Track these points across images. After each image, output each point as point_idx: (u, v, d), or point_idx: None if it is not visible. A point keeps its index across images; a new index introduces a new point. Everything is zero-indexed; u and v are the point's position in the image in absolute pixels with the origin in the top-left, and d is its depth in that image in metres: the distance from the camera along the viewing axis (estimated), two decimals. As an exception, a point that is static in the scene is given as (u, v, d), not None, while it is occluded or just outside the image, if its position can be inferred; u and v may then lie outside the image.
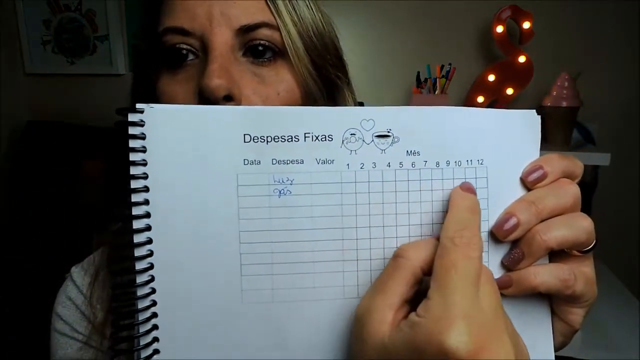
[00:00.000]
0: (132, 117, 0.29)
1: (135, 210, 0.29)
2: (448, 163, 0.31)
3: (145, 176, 0.29)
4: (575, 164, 0.32)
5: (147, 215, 0.29)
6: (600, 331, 1.03)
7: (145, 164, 0.29)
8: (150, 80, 0.42)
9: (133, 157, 0.29)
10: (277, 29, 0.40)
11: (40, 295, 1.29)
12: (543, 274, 0.30)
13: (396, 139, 0.31)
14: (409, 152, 0.31)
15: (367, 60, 1.65)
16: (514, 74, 1.45)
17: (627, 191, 1.52)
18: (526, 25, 1.40)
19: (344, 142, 0.31)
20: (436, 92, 1.47)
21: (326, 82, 0.44)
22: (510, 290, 0.31)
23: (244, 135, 0.30)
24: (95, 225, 0.48)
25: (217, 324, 0.30)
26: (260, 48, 0.40)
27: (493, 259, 0.32)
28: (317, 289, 0.31)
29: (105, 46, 1.85)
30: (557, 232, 0.30)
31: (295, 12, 0.41)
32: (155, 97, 0.41)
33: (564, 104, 1.28)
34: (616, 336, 1.03)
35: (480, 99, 1.51)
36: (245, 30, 0.39)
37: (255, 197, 0.30)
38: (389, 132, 0.31)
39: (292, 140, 0.30)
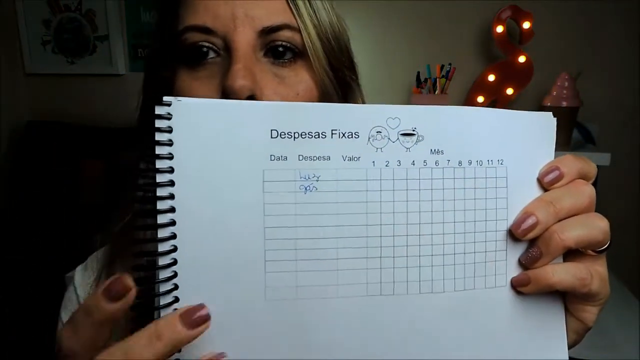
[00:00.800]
0: (158, 110, 0.29)
1: (160, 205, 0.29)
2: (470, 162, 0.32)
3: (171, 170, 0.29)
4: (590, 165, 0.33)
5: (172, 209, 0.29)
6: (600, 331, 1.03)
7: (171, 158, 0.29)
8: (162, 78, 0.43)
9: (159, 150, 0.29)
10: (298, 30, 0.41)
11: (40, 295, 1.29)
12: (560, 272, 0.31)
13: (421, 138, 0.31)
14: (433, 150, 0.31)
15: (367, 60, 1.65)
16: (514, 74, 1.45)
17: (627, 191, 1.53)
18: (526, 25, 1.41)
19: (370, 139, 0.31)
20: (436, 92, 1.47)
21: (341, 83, 0.45)
22: (528, 288, 0.32)
23: (271, 130, 0.30)
24: (96, 224, 0.48)
25: (239, 321, 0.30)
26: (281, 49, 0.40)
27: (511, 257, 0.32)
28: (341, 286, 0.31)
29: (105, 46, 1.84)
30: (575, 232, 0.30)
31: (315, 14, 0.42)
32: (168, 94, 0.41)
33: (564, 104, 1.29)
34: (616, 336, 1.03)
35: (480, 99, 1.51)
36: (267, 32, 0.40)
37: (281, 193, 0.30)
38: (414, 130, 0.31)
39: (319, 137, 0.30)
